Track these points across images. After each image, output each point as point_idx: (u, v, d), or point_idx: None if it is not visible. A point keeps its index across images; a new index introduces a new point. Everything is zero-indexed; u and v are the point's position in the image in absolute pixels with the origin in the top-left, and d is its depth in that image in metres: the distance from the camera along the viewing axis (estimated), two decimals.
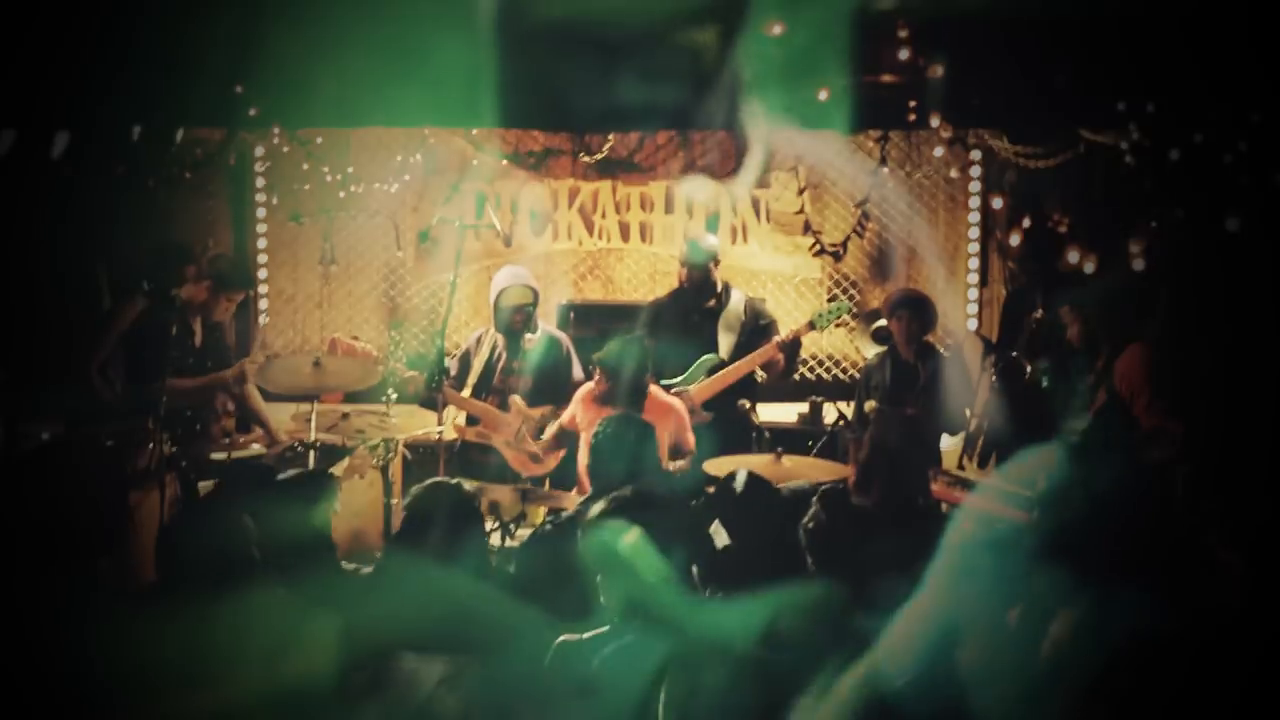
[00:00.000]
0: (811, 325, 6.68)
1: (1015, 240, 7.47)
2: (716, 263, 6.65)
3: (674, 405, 5.99)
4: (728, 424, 6.29)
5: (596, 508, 3.60)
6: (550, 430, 6.14)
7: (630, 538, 3.51)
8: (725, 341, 6.59)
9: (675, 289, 6.74)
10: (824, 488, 4.10)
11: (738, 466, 4.20)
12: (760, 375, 6.58)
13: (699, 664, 3.24)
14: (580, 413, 5.89)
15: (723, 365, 6.49)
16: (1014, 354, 6.16)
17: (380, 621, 3.40)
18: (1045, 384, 6.18)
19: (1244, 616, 1.68)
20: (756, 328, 6.66)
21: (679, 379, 6.45)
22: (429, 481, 4.11)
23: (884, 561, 3.38)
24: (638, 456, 4.54)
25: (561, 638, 3.40)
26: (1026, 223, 7.05)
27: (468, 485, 4.22)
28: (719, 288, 6.65)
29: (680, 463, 5.79)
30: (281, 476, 4.21)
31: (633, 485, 4.01)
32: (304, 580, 3.49)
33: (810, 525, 3.85)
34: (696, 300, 6.61)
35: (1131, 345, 5.77)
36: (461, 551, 3.79)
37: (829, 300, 7.26)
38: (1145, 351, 5.73)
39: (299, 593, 3.40)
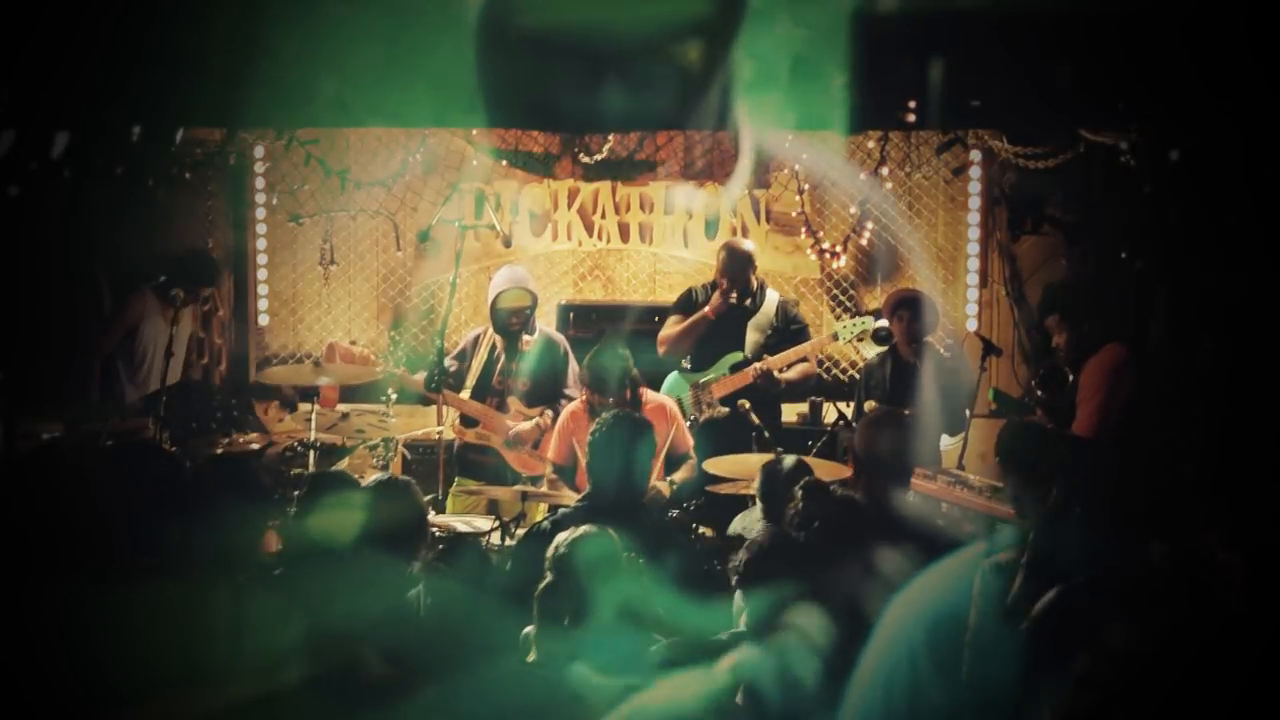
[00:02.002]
0: (835, 336, 6.77)
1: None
2: (754, 265, 6.69)
3: (666, 403, 6.03)
4: (728, 424, 6.32)
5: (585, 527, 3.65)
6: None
7: (621, 545, 3.54)
8: (752, 340, 6.63)
9: (722, 303, 6.55)
10: (805, 480, 4.12)
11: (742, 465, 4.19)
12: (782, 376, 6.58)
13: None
14: (567, 437, 5.94)
15: (746, 363, 6.53)
16: (1054, 360, 6.11)
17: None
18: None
19: (1244, 616, 1.68)
20: (787, 332, 6.67)
21: (705, 376, 6.54)
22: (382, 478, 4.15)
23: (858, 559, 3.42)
24: (636, 453, 4.57)
25: (527, 628, 3.46)
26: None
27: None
28: (754, 287, 6.68)
29: (681, 473, 5.83)
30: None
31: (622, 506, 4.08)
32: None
33: (794, 519, 3.85)
34: (736, 307, 6.61)
35: (1109, 345, 5.68)
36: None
37: (852, 316, 7.29)
38: (1120, 354, 5.65)
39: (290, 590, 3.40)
